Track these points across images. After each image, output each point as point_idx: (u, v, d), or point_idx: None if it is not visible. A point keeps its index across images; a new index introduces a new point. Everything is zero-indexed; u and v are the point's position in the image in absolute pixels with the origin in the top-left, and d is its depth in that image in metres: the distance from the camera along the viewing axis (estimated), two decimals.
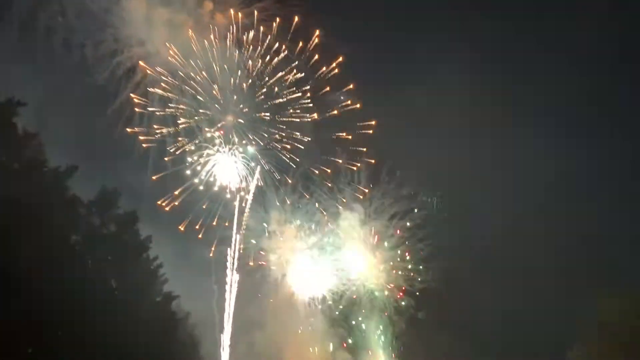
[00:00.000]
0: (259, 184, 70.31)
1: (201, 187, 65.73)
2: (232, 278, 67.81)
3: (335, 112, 69.01)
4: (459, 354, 67.25)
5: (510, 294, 68.25)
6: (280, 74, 66.71)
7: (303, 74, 66.35)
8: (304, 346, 71.55)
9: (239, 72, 65.82)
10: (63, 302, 33.04)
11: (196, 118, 65.90)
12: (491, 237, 70.81)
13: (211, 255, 67.67)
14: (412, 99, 71.01)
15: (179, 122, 64.82)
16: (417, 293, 73.37)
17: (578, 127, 72.62)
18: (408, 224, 73.98)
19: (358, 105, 68.74)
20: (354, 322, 74.89)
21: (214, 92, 66.08)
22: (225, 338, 65.97)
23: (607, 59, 70.15)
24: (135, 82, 62.75)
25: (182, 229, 66.39)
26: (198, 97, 65.50)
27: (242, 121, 68.39)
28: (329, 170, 71.97)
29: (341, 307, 74.82)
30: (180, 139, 66.18)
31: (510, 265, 69.14)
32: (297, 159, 70.38)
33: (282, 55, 65.80)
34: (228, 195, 68.76)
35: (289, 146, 70.16)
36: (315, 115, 68.60)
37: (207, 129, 67.65)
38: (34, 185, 31.12)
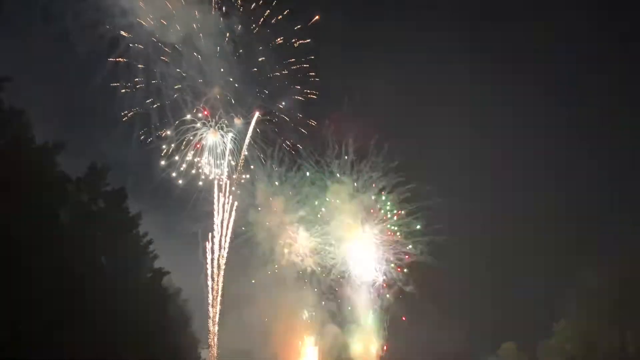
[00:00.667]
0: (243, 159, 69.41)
1: (180, 182, 65.37)
2: (220, 253, 67.54)
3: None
4: (448, 327, 68.32)
5: (499, 270, 69.26)
6: (274, 41, 64.99)
7: (298, 43, 65.18)
8: (292, 319, 71.71)
9: (226, 43, 64.18)
10: (52, 279, 32.91)
11: (175, 96, 64.39)
12: (480, 212, 71.72)
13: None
14: (403, 71, 70.36)
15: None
16: (406, 267, 74.12)
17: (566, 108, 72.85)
18: (398, 197, 73.66)
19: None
20: (343, 296, 74.78)
21: (200, 63, 64.32)
22: (215, 312, 65.85)
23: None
24: (118, 53, 61.09)
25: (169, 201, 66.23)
26: (182, 68, 64.06)
27: (229, 98, 67.00)
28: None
29: (330, 280, 74.74)
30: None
31: (499, 241, 69.99)
32: (285, 133, 70.16)
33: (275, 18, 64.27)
34: (216, 191, 67.99)
35: (277, 120, 69.44)
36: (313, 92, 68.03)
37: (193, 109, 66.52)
38: (21, 163, 30.63)
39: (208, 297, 65.98)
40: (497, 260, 70.12)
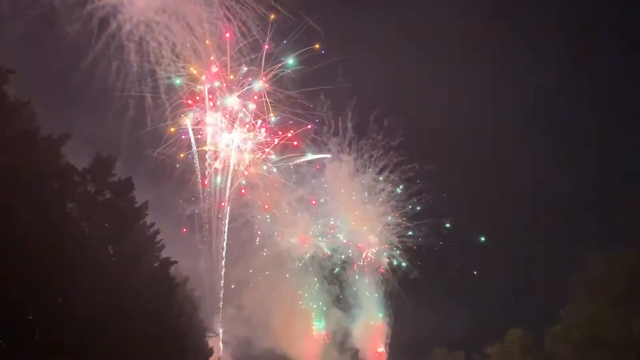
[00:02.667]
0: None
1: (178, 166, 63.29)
2: (218, 239, 65.90)
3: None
4: (453, 313, 67.90)
5: (505, 255, 68.63)
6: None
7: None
8: (293, 304, 70.37)
9: (220, 22, 61.22)
10: (60, 270, 33.00)
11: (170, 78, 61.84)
12: (484, 195, 70.46)
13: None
14: (401, 42, 68.75)
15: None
16: (410, 251, 72.19)
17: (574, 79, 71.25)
18: (399, 177, 71.18)
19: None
20: (345, 280, 73.41)
21: (195, 43, 61.49)
22: (216, 301, 64.85)
23: None
24: (109, 34, 57.47)
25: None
26: (176, 49, 61.28)
27: (224, 81, 64.12)
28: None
29: (332, 265, 72.84)
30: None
31: (505, 227, 69.15)
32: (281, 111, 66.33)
33: None
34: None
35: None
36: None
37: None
38: (27, 154, 30.50)
39: (207, 282, 64.58)
40: (504, 246, 69.65)
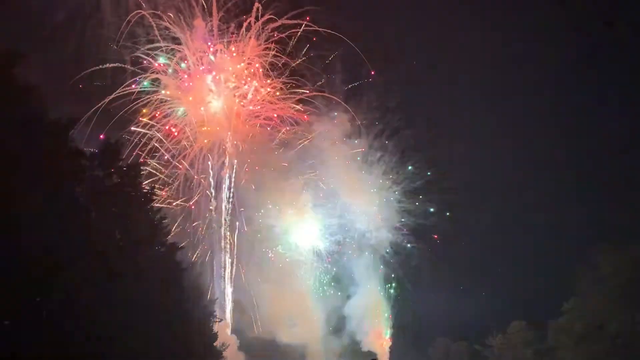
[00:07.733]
0: None
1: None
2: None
3: None
4: (456, 301, 67.02)
5: (508, 246, 67.60)
6: None
7: None
8: (284, 283, 65.68)
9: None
10: (67, 253, 33.10)
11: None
12: (490, 183, 67.89)
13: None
14: None
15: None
16: (409, 232, 66.50)
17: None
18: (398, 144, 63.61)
19: None
20: (341, 260, 68.19)
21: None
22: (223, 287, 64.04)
23: None
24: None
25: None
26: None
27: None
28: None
29: (327, 242, 67.00)
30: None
31: (507, 219, 67.70)
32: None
33: None
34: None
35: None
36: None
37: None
38: (36, 138, 30.45)
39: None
40: (509, 235, 68.52)
